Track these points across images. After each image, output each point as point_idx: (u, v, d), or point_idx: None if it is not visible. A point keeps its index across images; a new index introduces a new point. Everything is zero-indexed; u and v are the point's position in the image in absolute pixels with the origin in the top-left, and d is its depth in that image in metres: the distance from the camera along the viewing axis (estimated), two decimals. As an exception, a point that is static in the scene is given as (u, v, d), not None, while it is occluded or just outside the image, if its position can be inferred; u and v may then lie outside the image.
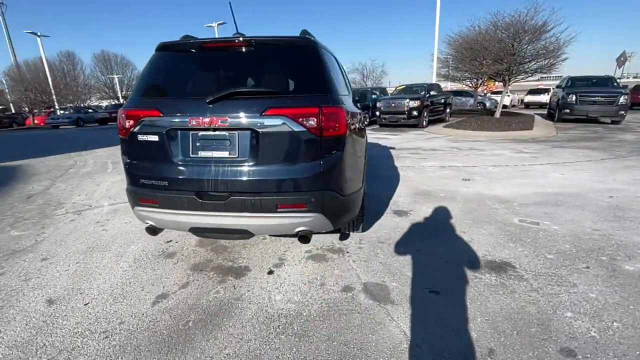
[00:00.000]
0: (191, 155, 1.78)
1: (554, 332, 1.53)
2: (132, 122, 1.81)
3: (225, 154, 1.75)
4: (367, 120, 6.04)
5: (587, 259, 2.20)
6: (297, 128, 1.68)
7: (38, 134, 16.01)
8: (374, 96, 13.01)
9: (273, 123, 1.68)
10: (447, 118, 13.36)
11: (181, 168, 1.78)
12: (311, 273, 2.13)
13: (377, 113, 11.61)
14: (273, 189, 1.73)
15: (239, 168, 1.74)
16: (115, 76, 45.84)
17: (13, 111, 25.50)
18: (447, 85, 20.87)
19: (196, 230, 1.89)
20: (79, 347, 1.52)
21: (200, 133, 1.76)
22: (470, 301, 1.79)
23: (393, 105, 11.08)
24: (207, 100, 1.69)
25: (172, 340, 1.56)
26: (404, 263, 2.23)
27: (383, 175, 4.71)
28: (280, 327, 1.63)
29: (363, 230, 2.74)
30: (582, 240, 2.48)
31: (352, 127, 2.01)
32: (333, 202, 1.84)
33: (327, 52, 2.16)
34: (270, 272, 2.15)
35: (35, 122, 23.74)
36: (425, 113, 11.24)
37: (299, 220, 1.78)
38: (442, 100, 12.71)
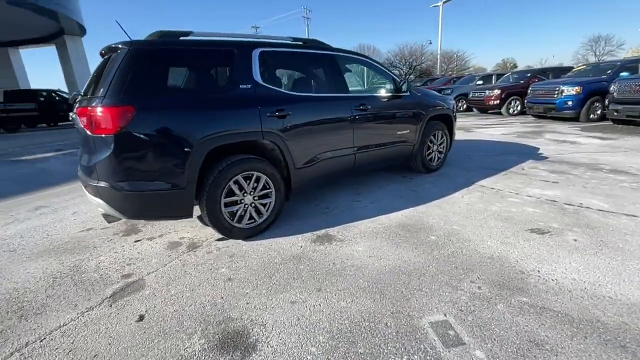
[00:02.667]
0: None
1: None
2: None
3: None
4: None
5: None
6: (80, 125, 2.00)
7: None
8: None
9: (78, 120, 2.09)
10: None
11: (80, 153, 2.59)
12: (145, 252, 2.39)
13: (606, 102, 7.34)
14: (86, 174, 2.17)
15: (84, 155, 2.30)
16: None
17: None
18: None
19: None
20: (30, 238, 2.79)
21: (82, 125, 2.46)
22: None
23: (638, 88, 6.56)
24: (72, 101, 2.35)
25: (47, 252, 2.49)
26: (197, 280, 1.99)
27: (423, 193, 3.46)
28: (52, 276, 2.16)
29: (246, 238, 2.50)
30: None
31: (145, 128, 1.98)
32: (110, 195, 2.02)
33: (151, 55, 2.13)
34: (137, 241, 2.62)
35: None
36: None
37: (97, 202, 2.14)
38: None
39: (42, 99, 14.06)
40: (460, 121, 10.06)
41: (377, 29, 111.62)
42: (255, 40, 2.59)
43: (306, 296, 1.81)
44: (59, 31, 16.42)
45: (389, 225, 2.69)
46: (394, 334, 1.50)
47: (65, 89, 17.74)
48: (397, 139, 3.52)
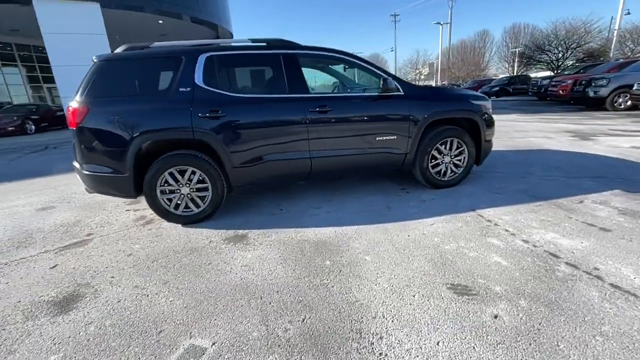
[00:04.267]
0: None
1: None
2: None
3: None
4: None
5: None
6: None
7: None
8: None
9: (70, 116, 2.84)
10: None
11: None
12: (118, 220, 3.05)
13: None
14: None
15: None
16: (516, 49, 44.64)
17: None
18: None
19: None
20: (85, 195, 3.94)
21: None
22: None
23: None
24: None
25: (80, 208, 3.53)
26: (114, 249, 2.46)
27: (396, 212, 2.93)
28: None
29: (185, 224, 2.83)
30: None
31: (95, 124, 2.52)
32: (80, 174, 2.70)
33: (108, 65, 2.66)
34: (127, 210, 3.34)
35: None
36: None
37: (78, 177, 2.88)
38: None
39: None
40: (593, 124, 7.37)
41: (535, 3, 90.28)
42: (204, 46, 2.79)
43: (151, 285, 2.00)
44: (216, 38, 20.93)
45: (308, 239, 2.49)
46: (151, 342, 1.52)
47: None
48: (377, 145, 3.06)
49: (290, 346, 1.46)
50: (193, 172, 2.74)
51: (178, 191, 2.77)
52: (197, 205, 2.84)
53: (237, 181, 2.88)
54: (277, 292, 1.86)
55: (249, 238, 2.57)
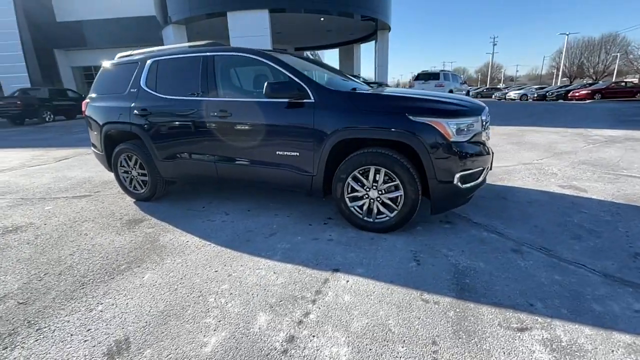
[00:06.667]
0: None
1: (-31, 223, 3.03)
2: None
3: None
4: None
5: None
6: (91, 110, 3.81)
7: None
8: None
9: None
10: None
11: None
12: (116, 184, 4.07)
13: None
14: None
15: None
16: None
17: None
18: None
19: None
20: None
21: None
22: None
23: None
24: None
25: (130, 171, 4.89)
26: (77, 206, 3.41)
27: (267, 241, 2.45)
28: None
29: (137, 200, 3.49)
30: None
31: (89, 113, 3.42)
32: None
33: (102, 70, 3.45)
34: (140, 180, 4.35)
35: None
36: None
37: (102, 150, 4.00)
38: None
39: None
40: None
41: None
42: (154, 52, 3.16)
43: (42, 239, 2.67)
44: (374, 31, 21.22)
45: (161, 241, 2.55)
46: (-33, 274, 2.16)
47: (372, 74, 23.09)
48: (278, 160, 2.60)
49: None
50: (136, 160, 3.30)
51: (130, 173, 3.42)
52: (142, 188, 3.40)
53: (164, 174, 3.23)
54: (44, 275, 2.13)
55: (141, 225, 2.90)
